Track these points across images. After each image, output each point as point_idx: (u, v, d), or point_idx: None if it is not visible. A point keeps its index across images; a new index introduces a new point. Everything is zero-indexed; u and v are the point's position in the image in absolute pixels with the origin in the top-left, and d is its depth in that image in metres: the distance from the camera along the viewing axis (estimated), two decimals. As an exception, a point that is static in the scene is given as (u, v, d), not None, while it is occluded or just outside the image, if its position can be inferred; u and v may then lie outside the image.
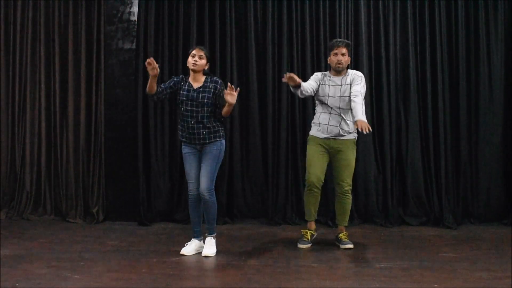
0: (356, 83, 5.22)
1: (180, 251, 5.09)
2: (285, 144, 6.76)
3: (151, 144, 6.80)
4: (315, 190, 5.28)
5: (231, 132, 6.79)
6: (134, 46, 6.85)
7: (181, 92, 5.03)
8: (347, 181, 5.31)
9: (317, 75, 5.44)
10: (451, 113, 6.70)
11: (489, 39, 6.71)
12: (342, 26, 6.77)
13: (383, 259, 4.89)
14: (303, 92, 5.23)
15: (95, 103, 6.98)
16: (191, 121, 4.97)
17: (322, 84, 5.34)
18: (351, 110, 5.15)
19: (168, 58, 6.86)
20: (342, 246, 5.32)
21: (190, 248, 5.11)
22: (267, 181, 6.81)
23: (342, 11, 6.77)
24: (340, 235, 5.42)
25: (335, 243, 5.45)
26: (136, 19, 6.84)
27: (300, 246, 5.39)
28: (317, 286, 4.11)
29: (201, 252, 5.07)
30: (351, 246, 5.32)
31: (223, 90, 4.95)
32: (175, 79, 5.13)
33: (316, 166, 5.28)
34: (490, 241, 5.74)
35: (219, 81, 5.06)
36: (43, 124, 7.10)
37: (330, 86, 5.31)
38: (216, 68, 6.78)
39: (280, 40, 6.82)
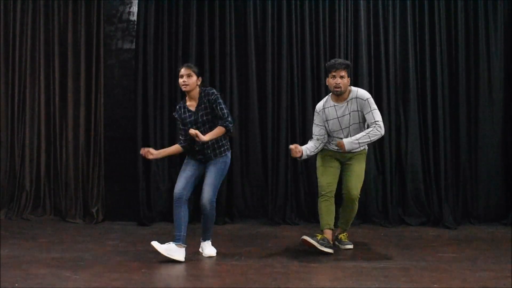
0: (367, 111, 5.03)
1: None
2: (285, 144, 6.75)
3: (150, 144, 6.79)
4: (328, 198, 5.14)
5: (230, 132, 6.80)
6: (133, 46, 6.86)
7: (185, 121, 4.88)
8: (355, 189, 5.16)
9: (319, 115, 5.17)
10: (451, 113, 6.70)
11: (489, 39, 6.71)
12: (342, 26, 6.77)
13: (382, 259, 4.89)
14: (310, 154, 5.17)
15: (95, 103, 6.98)
16: (195, 146, 4.85)
17: (329, 120, 5.15)
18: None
19: (168, 58, 6.86)
20: (342, 247, 5.31)
21: (182, 255, 4.73)
22: (267, 181, 6.81)
23: (342, 11, 6.77)
24: (340, 235, 5.41)
25: (335, 243, 5.45)
26: (135, 19, 6.85)
27: (322, 249, 5.05)
28: (317, 286, 4.11)
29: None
30: (351, 246, 5.32)
31: (216, 99, 4.79)
32: (176, 116, 4.97)
33: (327, 175, 5.17)
34: (490, 241, 5.74)
35: (211, 92, 4.83)
36: (43, 124, 7.10)
37: (339, 119, 5.11)
38: (216, 69, 6.79)
39: (280, 40, 6.82)
